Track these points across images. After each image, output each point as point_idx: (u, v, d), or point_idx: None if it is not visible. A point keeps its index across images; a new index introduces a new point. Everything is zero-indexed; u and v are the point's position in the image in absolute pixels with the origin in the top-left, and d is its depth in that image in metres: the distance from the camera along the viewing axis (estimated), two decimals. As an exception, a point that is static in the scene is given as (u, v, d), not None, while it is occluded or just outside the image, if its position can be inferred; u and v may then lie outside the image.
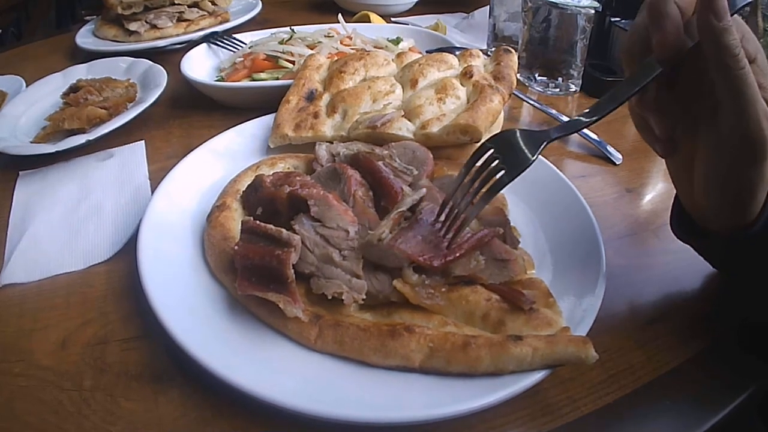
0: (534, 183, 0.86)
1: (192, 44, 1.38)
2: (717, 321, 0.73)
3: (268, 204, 0.73)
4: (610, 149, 1.06)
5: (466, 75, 0.97)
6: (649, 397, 0.64)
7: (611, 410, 0.62)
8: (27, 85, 1.27)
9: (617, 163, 1.04)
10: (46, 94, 1.23)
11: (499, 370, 0.59)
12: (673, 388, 0.65)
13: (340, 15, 1.40)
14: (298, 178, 0.74)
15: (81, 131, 1.05)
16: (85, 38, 1.55)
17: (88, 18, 1.72)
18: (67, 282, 0.79)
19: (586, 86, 1.29)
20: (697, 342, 0.70)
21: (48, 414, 0.62)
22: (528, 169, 0.86)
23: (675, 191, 0.72)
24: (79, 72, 1.29)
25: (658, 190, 0.99)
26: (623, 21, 1.32)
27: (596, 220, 0.78)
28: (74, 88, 1.18)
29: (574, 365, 0.60)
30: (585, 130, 1.08)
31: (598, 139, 1.08)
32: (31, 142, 1.07)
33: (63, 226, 0.89)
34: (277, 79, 1.17)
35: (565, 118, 1.13)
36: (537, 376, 0.59)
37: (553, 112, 1.16)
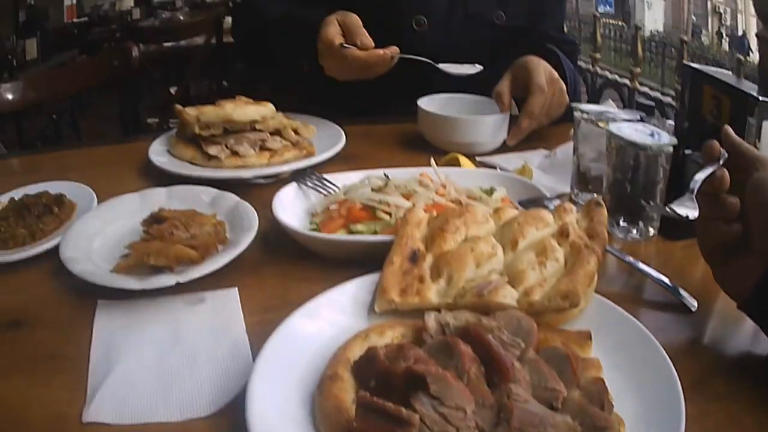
0: (623, 345, 0.86)
1: (281, 182, 1.34)
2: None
3: (382, 377, 0.73)
4: (684, 294, 1.04)
5: (562, 234, 0.98)
6: None
7: None
8: (97, 197, 1.26)
9: (693, 309, 1.02)
10: (122, 215, 1.22)
11: None
12: None
13: (432, 160, 1.36)
14: (411, 351, 0.74)
15: (167, 268, 1.03)
16: (159, 156, 1.52)
17: (150, 121, 1.73)
18: (161, 432, 0.77)
19: (663, 229, 1.24)
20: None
21: None
22: (619, 331, 0.88)
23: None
24: (159, 196, 1.28)
25: (732, 338, 0.99)
26: (696, 153, 1.21)
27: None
28: (157, 218, 1.15)
29: None
30: (660, 276, 1.08)
31: (671, 284, 1.07)
32: (111, 271, 1.04)
33: (154, 370, 0.87)
34: (375, 232, 1.15)
35: (642, 266, 1.11)
36: None
37: (632, 260, 1.13)
